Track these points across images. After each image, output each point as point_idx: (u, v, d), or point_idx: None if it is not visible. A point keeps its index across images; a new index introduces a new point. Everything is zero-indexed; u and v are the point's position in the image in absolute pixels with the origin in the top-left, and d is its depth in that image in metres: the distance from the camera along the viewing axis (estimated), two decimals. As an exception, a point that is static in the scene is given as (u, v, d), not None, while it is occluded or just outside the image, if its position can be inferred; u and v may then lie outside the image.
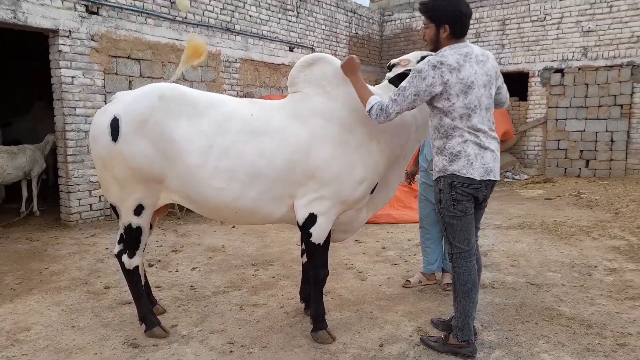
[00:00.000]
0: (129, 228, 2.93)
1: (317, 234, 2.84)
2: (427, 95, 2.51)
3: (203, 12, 7.36)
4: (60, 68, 5.75)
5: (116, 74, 6.30)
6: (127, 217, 2.91)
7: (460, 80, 2.46)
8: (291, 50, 9.09)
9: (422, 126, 2.97)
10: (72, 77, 5.84)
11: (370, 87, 2.92)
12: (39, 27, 5.50)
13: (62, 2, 5.67)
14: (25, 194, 6.56)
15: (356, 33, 11.27)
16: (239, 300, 3.63)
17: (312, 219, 2.80)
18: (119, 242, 3.03)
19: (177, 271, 4.34)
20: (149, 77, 6.66)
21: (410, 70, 2.83)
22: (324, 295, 3.15)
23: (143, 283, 3.31)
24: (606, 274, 4.13)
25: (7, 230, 5.83)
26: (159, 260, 4.65)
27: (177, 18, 6.97)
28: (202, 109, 2.78)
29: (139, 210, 2.89)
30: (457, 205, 2.60)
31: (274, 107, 2.87)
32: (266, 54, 8.46)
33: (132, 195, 2.85)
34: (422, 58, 2.87)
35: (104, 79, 6.14)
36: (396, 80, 2.88)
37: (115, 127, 2.75)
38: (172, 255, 4.82)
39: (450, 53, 2.49)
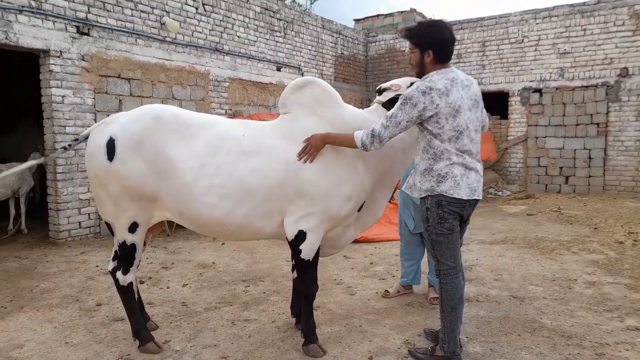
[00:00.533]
0: (123, 245, 3.00)
1: (307, 250, 2.94)
2: (419, 120, 2.65)
3: (192, 33, 7.51)
4: (51, 87, 5.81)
5: (106, 93, 6.38)
6: (122, 235, 2.98)
7: (449, 104, 2.59)
8: (278, 69, 9.27)
9: (409, 147, 3.11)
10: (63, 96, 5.90)
11: (360, 110, 3.08)
12: (30, 47, 5.57)
13: (54, 24, 5.76)
14: (12, 211, 6.54)
15: (342, 53, 11.52)
16: (231, 316, 3.69)
17: (301, 236, 2.91)
18: (113, 259, 3.09)
19: (168, 287, 4.38)
20: (138, 96, 6.75)
21: (400, 94, 3.02)
22: (314, 310, 3.25)
23: (136, 299, 3.37)
24: (585, 287, 4.29)
25: (-6, 249, 5.80)
26: (150, 277, 4.68)
27: (167, 39, 7.10)
28: (195, 130, 2.89)
29: (133, 227, 2.96)
30: (444, 223, 2.72)
31: (265, 128, 2.99)
32: (254, 74, 8.62)
33: (127, 213, 2.93)
34: (412, 84, 3.05)
35: (94, 98, 6.22)
36: (388, 104, 3.03)
37: (111, 147, 2.84)
38: (163, 272, 4.86)
39: (438, 78, 2.63)
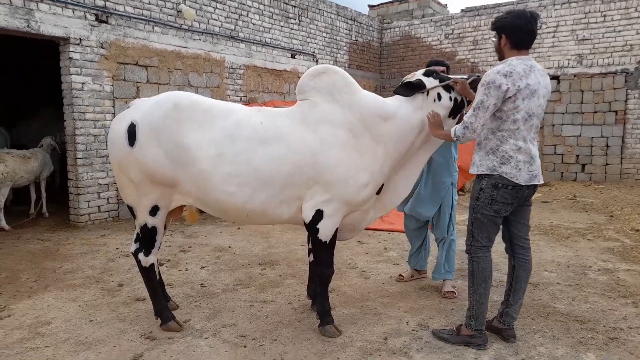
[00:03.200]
0: (144, 228, 3.09)
1: (324, 231, 2.99)
2: (500, 100, 2.68)
3: (208, 21, 7.55)
4: (71, 74, 5.92)
5: (124, 80, 6.47)
6: (143, 218, 3.07)
7: (527, 85, 2.67)
8: (293, 57, 9.28)
9: (427, 131, 3.13)
10: (82, 83, 6.01)
11: (379, 96, 3.12)
12: (51, 35, 5.67)
13: (73, 12, 5.85)
14: (33, 195, 6.72)
15: (356, 40, 11.48)
16: (248, 297, 3.79)
17: (319, 216, 2.96)
18: (136, 241, 3.18)
19: (186, 270, 4.49)
20: (155, 83, 6.84)
21: (414, 79, 3.06)
22: (329, 293, 3.32)
23: (157, 280, 3.48)
24: (600, 273, 4.30)
25: (18, 231, 5.97)
26: (169, 260, 4.80)
27: (183, 26, 7.15)
28: (213, 118, 2.94)
29: (154, 211, 3.05)
30: (493, 205, 2.79)
31: (283, 115, 3.03)
32: (269, 61, 8.65)
33: (147, 196, 3.01)
34: (426, 72, 3.13)
35: (112, 85, 6.32)
36: (400, 89, 3.09)
37: (132, 133, 2.92)
38: (181, 255, 4.98)
39: (517, 63, 2.70)
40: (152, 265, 3.19)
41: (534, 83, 2.72)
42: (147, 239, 3.13)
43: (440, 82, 3.08)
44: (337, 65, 10.43)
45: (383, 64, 12.37)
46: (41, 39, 5.78)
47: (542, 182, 2.92)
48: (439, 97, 3.06)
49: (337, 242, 3.21)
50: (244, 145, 2.88)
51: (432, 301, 3.71)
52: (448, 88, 3.08)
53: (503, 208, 2.82)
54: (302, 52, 9.52)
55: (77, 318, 3.38)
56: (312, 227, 3.00)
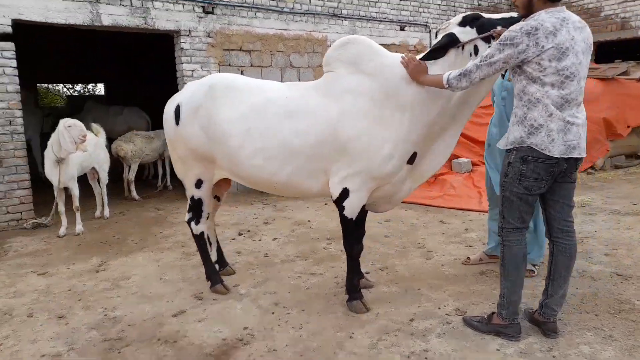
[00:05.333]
0: (192, 199, 3.42)
1: (350, 208, 2.96)
2: (517, 62, 2.40)
3: (310, 1, 7.72)
4: (182, 63, 6.66)
5: (229, 65, 7.04)
6: (190, 190, 3.40)
7: (555, 45, 2.31)
8: (402, 29, 8.97)
9: (459, 99, 2.83)
10: (192, 70, 6.71)
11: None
12: (165, 29, 6.43)
13: (183, 6, 6.53)
14: (160, 171, 7.78)
15: (479, 4, 10.57)
16: (301, 269, 3.93)
17: (345, 193, 2.93)
18: (188, 211, 3.54)
19: (260, 240, 4.82)
20: (258, 66, 7.28)
21: (447, 33, 2.76)
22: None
23: (216, 247, 3.83)
24: None
25: (145, 201, 7.01)
26: (249, 230, 5.19)
27: (285, 9, 7.44)
28: (244, 96, 3.09)
29: (199, 184, 3.35)
30: (523, 181, 2.48)
31: (309, 88, 3.05)
32: (375, 35, 8.50)
33: (192, 171, 3.32)
34: (462, 20, 2.75)
35: (219, 71, 6.92)
36: (428, 55, 2.79)
37: (177, 113, 3.25)
38: (262, 227, 5.33)
39: (546, 17, 2.35)
40: (202, 233, 3.53)
41: (565, 40, 2.31)
42: (195, 209, 3.47)
43: (478, 32, 2.69)
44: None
45: (513, 28, 11.13)
46: (157, 34, 6.60)
47: (583, 155, 2.45)
48: (476, 50, 2.69)
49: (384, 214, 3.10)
50: (271, 120, 2.98)
51: (486, 287, 3.41)
52: (488, 39, 2.66)
53: (535, 185, 2.46)
54: (413, 24, 9.13)
55: (152, 275, 3.92)
56: (339, 204, 2.99)
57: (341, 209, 2.99)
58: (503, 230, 2.61)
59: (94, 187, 6.03)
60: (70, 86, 18.39)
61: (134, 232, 5.29)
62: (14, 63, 5.51)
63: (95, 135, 5.87)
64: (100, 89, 17.25)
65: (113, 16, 6.00)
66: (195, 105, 3.18)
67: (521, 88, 2.44)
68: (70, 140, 4.73)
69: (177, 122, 3.27)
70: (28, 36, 8.40)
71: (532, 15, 2.39)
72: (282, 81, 5.81)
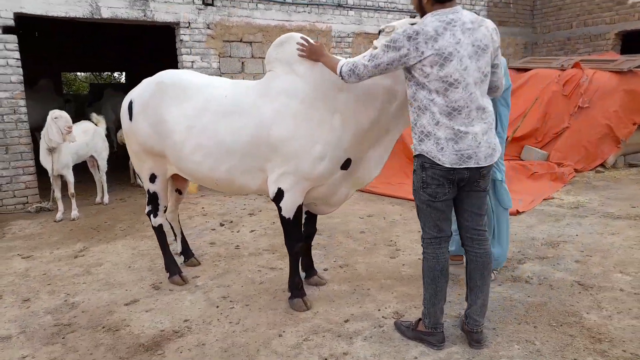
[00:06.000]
0: (148, 193, 3.55)
1: (286, 208, 2.99)
2: (401, 65, 2.37)
3: (314, -9, 7.65)
4: (182, 55, 6.79)
5: (230, 56, 7.11)
6: (146, 184, 3.52)
7: (436, 50, 2.24)
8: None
9: (400, 100, 2.79)
10: (192, 61, 6.83)
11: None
12: (164, 21, 6.56)
13: (183, -2, 6.64)
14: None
15: (499, -8, 10.16)
16: (264, 262, 4.00)
17: (280, 194, 2.97)
18: (147, 204, 3.66)
19: (238, 232, 4.91)
20: (260, 57, 7.32)
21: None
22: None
23: (180, 239, 3.96)
24: (701, 284, 3.25)
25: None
26: (231, 221, 5.30)
27: (287, 0, 7.42)
28: (189, 94, 3.16)
29: (152, 178, 3.47)
30: (426, 188, 2.44)
31: (249, 87, 3.08)
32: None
33: (145, 165, 3.44)
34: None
35: (219, 62, 7.02)
36: None
37: (130, 109, 3.36)
38: (246, 218, 5.43)
39: (430, 21, 2.29)
40: (160, 225, 3.66)
41: (448, 45, 2.23)
42: (152, 202, 3.59)
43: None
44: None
45: (536, 16, 10.66)
46: (158, 25, 6.74)
47: (482, 164, 2.34)
48: None
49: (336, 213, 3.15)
50: (210, 118, 3.05)
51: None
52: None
53: (439, 191, 2.41)
54: (425, 13, 8.89)
55: (122, 263, 4.08)
56: (276, 203, 3.03)
57: (279, 208, 3.03)
58: (422, 241, 2.58)
59: (94, 174, 6.29)
60: (98, 74, 19.07)
61: (125, 220, 5.51)
62: (17, 55, 5.78)
63: (96, 124, 6.12)
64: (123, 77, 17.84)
65: (112, 9, 6.17)
66: (144, 101, 3.28)
67: (411, 93, 2.39)
68: (57, 131, 4.96)
69: (130, 118, 3.38)
70: (53, 27, 8.79)
71: (422, 19, 2.34)
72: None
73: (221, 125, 3.01)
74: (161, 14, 6.50)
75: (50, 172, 5.37)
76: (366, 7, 8.21)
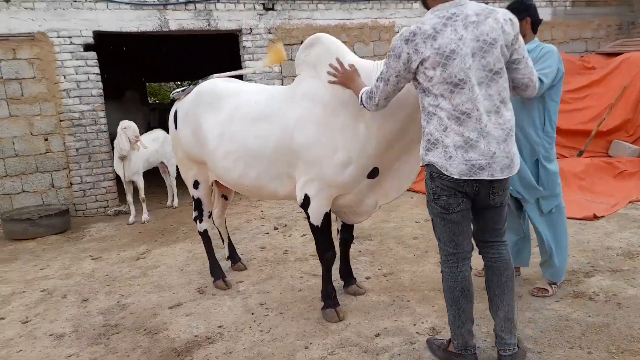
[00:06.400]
0: (193, 199, 3.66)
1: (313, 215, 2.92)
2: (410, 74, 2.20)
3: (376, -14, 7.45)
4: (245, 61, 6.95)
5: (291, 60, 7.15)
6: (191, 191, 3.64)
7: (436, 50, 2.05)
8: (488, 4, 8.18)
9: None
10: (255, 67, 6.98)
11: (370, 62, 2.73)
12: (227, 29, 6.76)
13: (244, 5, 6.79)
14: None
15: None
16: (308, 269, 3.95)
17: (307, 200, 2.90)
18: (194, 210, 3.78)
19: (290, 236, 4.92)
20: (321, 58, 7.27)
21: None
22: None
23: (227, 243, 4.05)
24: None
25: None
26: (285, 225, 5.32)
27: (348, -2, 7.30)
28: (223, 101, 3.21)
29: (196, 184, 3.57)
30: (438, 200, 2.25)
31: (279, 92, 3.05)
32: (452, 17, 7.91)
33: (190, 172, 3.56)
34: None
35: (280, 66, 7.09)
36: None
37: (175, 118, 3.51)
38: (301, 222, 5.40)
39: (428, 18, 2.12)
40: (206, 230, 3.76)
41: (450, 42, 2.01)
42: (197, 208, 3.70)
43: None
44: (553, 7, 8.64)
45: (635, -7, 9.45)
46: (221, 34, 6.97)
47: (499, 176, 2.08)
48: None
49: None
50: (239, 124, 3.07)
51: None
52: None
53: (453, 201, 2.18)
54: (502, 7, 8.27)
55: (176, 266, 4.27)
56: (305, 210, 2.97)
57: (307, 216, 2.96)
58: (441, 258, 2.37)
59: (165, 179, 6.68)
60: (179, 83, 20.25)
61: (189, 223, 5.76)
62: (97, 70, 6.29)
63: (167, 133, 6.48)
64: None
65: (179, 21, 6.49)
66: (186, 110, 3.39)
67: (420, 100, 2.21)
68: (126, 140, 5.32)
69: (175, 126, 3.51)
70: (137, 43, 9.49)
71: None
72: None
73: (249, 131, 3.01)
74: (224, 22, 6.71)
75: (122, 178, 5.78)
76: (432, -2, 7.82)
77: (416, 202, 5.77)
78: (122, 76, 10.76)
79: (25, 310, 3.58)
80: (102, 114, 6.40)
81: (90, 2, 6.09)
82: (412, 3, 7.73)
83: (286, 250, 4.46)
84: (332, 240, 3.08)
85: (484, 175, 2.08)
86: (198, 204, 3.67)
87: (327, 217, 2.95)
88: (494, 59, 2.05)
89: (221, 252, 4.12)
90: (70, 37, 6.08)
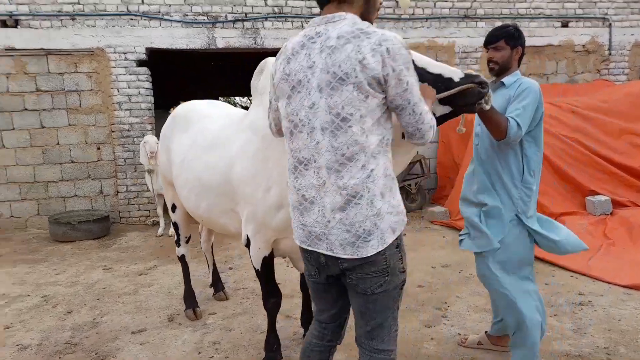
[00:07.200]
0: (172, 222, 3.61)
1: (253, 258, 2.68)
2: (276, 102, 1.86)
3: (434, 4, 6.96)
4: (289, 79, 6.88)
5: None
6: (170, 214, 3.58)
7: (286, 76, 1.66)
8: (565, 25, 7.27)
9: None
10: (298, 85, 6.87)
11: None
12: (273, 47, 6.75)
13: (292, 23, 6.73)
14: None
15: None
16: (287, 307, 3.67)
17: (248, 241, 2.67)
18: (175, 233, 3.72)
19: (287, 267, 4.67)
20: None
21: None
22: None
23: (212, 270, 3.93)
24: None
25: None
26: (284, 258, 5.07)
27: (403, 16, 6.91)
28: (191, 126, 3.10)
29: (173, 208, 3.53)
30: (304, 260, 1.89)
31: (234, 120, 2.86)
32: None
33: (167, 195, 3.53)
34: None
35: (325, 85, 6.90)
36: None
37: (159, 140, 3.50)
38: (313, 252, 5.15)
39: (298, 34, 1.72)
40: (183, 255, 3.68)
41: (298, 70, 1.61)
42: (175, 232, 3.64)
43: None
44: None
45: None
46: (268, 52, 6.97)
47: (342, 254, 1.58)
48: None
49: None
50: (195, 152, 2.94)
51: None
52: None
53: (309, 268, 1.79)
54: (582, 17, 7.29)
55: (167, 287, 4.25)
56: (248, 250, 2.73)
57: (250, 257, 2.71)
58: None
59: (202, 193, 6.81)
60: (227, 98, 20.55)
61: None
62: (147, 85, 6.63)
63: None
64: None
65: (226, 39, 6.62)
66: (163, 132, 3.38)
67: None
68: (144, 155, 5.48)
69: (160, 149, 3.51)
70: (195, 61, 9.91)
71: None
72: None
73: (202, 160, 2.86)
74: (270, 41, 6.72)
75: (151, 191, 5.98)
76: (500, 15, 7.13)
77: (445, 243, 5.21)
78: (175, 90, 11.22)
79: (16, 315, 3.77)
80: (149, 126, 6.71)
81: (145, 19, 6.44)
82: (476, 22, 7.12)
83: (279, 283, 4.21)
84: (277, 287, 2.82)
85: (322, 249, 1.63)
86: (175, 227, 3.61)
87: (266, 261, 2.68)
88: (343, 100, 1.53)
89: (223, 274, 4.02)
90: (125, 52, 6.48)
